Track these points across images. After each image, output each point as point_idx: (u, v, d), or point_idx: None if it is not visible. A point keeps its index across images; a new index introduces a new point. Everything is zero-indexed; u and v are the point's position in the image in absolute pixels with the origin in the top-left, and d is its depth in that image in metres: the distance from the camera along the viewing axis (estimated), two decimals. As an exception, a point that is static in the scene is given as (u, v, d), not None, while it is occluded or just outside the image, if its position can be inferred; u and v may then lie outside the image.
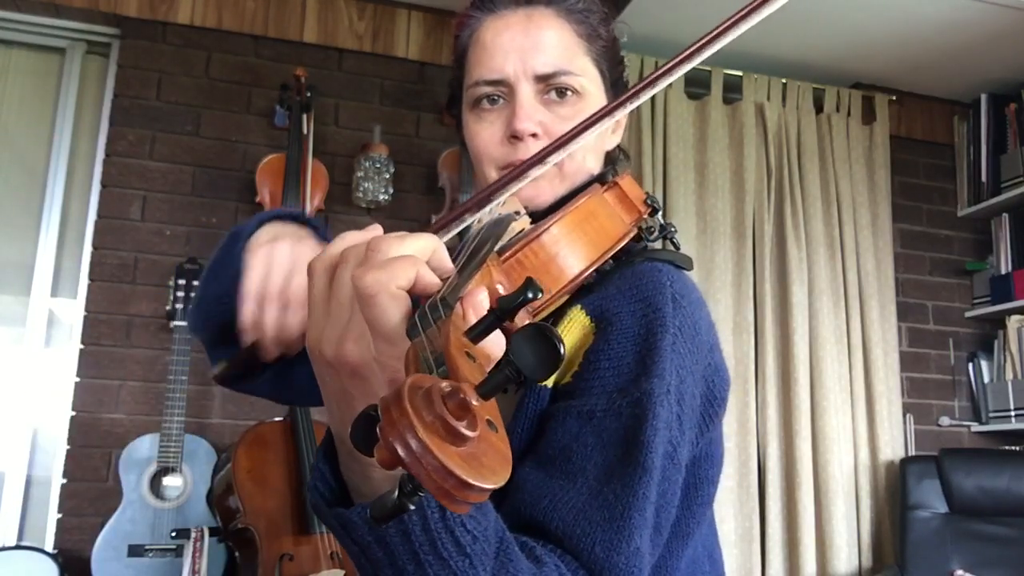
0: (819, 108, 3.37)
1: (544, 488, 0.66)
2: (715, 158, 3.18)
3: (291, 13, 2.95)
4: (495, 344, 0.49)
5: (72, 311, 2.78)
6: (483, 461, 0.36)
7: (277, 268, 0.74)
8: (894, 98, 3.49)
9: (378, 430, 0.36)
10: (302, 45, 2.95)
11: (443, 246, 0.55)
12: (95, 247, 2.70)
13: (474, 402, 0.37)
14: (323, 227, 0.86)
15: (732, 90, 3.27)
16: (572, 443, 0.68)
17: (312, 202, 2.75)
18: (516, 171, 0.70)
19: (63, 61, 2.94)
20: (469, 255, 0.57)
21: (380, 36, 3.04)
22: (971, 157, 3.53)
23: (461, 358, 0.41)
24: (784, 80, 3.32)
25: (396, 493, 0.37)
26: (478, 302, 0.51)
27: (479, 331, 0.44)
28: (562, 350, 0.39)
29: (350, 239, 0.56)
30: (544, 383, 0.73)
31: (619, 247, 0.76)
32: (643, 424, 0.66)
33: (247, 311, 0.74)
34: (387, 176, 2.85)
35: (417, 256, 0.52)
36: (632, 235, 0.79)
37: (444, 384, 0.37)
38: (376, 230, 0.57)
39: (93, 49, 2.98)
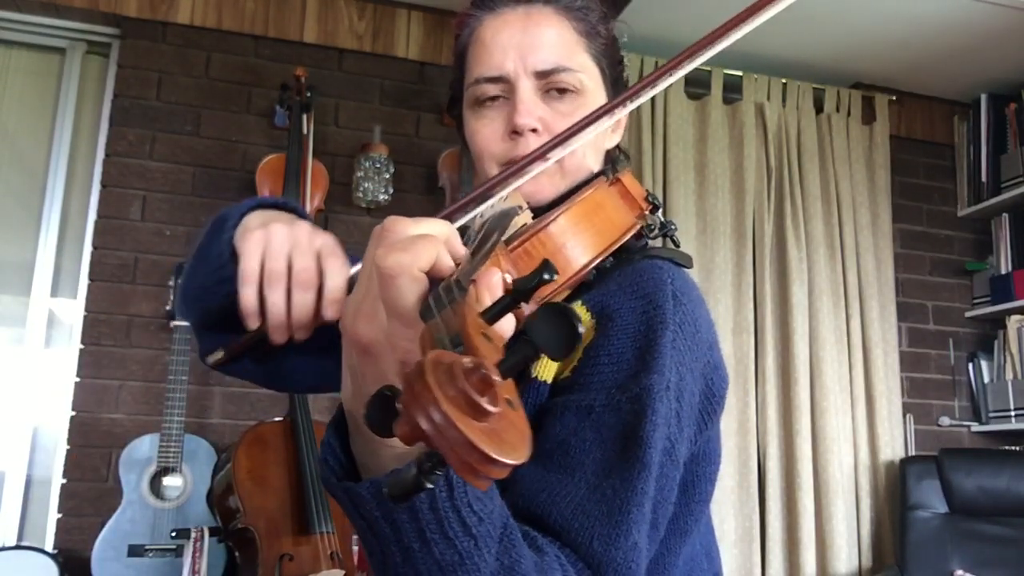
0: (819, 108, 3.37)
1: (542, 482, 0.66)
2: (715, 158, 3.18)
3: (291, 13, 2.95)
4: (507, 328, 0.50)
5: (72, 311, 2.78)
6: (504, 437, 0.36)
7: (277, 248, 0.72)
8: (894, 98, 3.49)
9: (399, 405, 0.36)
10: (302, 45, 2.95)
11: (456, 231, 0.56)
12: (95, 247, 2.70)
13: (495, 378, 0.37)
14: (309, 217, 0.85)
15: (732, 90, 3.27)
16: (571, 437, 0.68)
17: (312, 202, 2.75)
18: (519, 166, 0.71)
19: (63, 61, 2.94)
20: (479, 243, 0.57)
21: (380, 36, 3.04)
22: (971, 157, 3.53)
23: (478, 338, 0.41)
24: (784, 80, 3.32)
25: (415, 470, 0.37)
26: (493, 284, 0.52)
27: (495, 312, 0.45)
28: (580, 328, 0.39)
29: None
30: (543, 378, 0.73)
31: (625, 239, 0.77)
32: (642, 420, 0.67)
33: (248, 296, 0.72)
34: (387, 176, 2.85)
35: (437, 237, 0.52)
36: (637, 228, 0.79)
37: (466, 360, 0.37)
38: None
39: (93, 49, 2.98)
